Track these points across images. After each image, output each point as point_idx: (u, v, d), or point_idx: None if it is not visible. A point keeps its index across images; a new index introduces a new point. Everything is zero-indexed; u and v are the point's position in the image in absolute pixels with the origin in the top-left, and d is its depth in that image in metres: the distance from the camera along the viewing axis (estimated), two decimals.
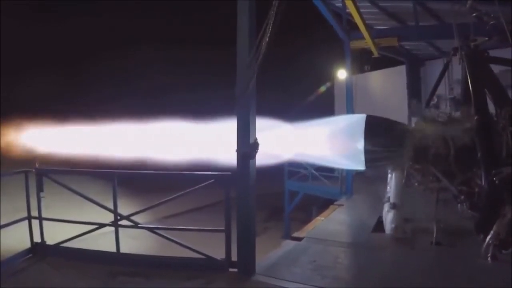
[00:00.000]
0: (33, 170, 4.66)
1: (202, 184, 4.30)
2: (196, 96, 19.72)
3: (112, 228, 4.46)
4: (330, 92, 17.07)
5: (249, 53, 3.92)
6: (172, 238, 4.42)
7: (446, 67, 6.41)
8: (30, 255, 4.56)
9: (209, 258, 4.24)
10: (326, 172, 10.56)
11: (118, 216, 4.46)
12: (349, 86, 9.03)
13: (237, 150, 4.02)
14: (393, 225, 5.44)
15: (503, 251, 4.24)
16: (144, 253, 4.77)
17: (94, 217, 4.57)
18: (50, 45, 21.18)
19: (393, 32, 9.49)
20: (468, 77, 5.02)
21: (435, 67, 11.58)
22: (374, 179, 9.13)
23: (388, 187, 6.18)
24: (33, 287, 3.82)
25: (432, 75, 11.69)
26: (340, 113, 13.45)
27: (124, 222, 4.50)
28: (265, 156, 4.31)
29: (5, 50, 16.12)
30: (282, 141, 5.28)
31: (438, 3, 8.37)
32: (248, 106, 4.03)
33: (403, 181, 5.68)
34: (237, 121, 4.05)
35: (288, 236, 7.86)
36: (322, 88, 18.14)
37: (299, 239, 5.37)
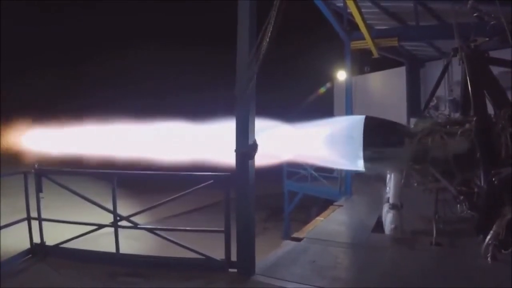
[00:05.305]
0: (32, 170, 4.65)
1: (202, 185, 4.29)
2: (195, 96, 19.73)
3: (112, 229, 4.46)
4: (329, 93, 17.07)
5: (249, 53, 3.90)
6: (171, 238, 4.42)
7: (446, 68, 6.42)
8: (30, 255, 4.54)
9: (208, 258, 4.24)
10: (325, 173, 10.56)
11: (117, 217, 4.46)
12: (348, 87, 9.02)
13: (236, 151, 4.02)
14: (392, 226, 5.44)
15: (503, 251, 4.24)
16: (143, 253, 4.76)
17: (94, 217, 4.56)
18: (51, 45, 21.21)
19: (393, 32, 9.46)
20: (468, 78, 5.03)
21: (435, 69, 11.57)
22: (373, 179, 9.12)
23: (388, 188, 6.18)
24: None
25: (432, 76, 11.70)
26: (339, 114, 13.44)
27: (123, 222, 4.49)
28: (264, 156, 4.31)
29: (6, 50, 16.12)
30: (281, 141, 5.28)
31: (439, 3, 8.36)
32: (248, 107, 4.01)
33: (402, 181, 5.68)
34: (236, 121, 4.03)
35: (287, 236, 7.84)
36: (322, 89, 18.14)
37: (298, 239, 5.36)
